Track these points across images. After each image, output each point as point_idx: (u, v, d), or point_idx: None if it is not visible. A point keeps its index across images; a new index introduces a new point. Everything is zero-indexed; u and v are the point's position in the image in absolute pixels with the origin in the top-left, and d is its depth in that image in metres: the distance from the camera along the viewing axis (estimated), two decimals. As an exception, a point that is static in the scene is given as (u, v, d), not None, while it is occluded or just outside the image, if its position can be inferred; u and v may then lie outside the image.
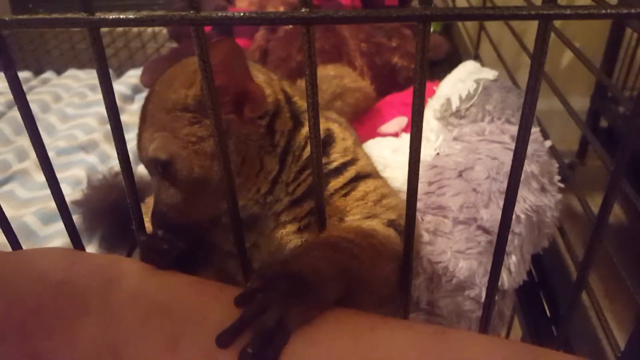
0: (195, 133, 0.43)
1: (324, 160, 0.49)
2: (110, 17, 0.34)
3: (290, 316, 0.32)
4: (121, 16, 0.34)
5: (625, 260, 0.67)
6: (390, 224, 0.48)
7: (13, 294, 0.37)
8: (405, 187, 0.71)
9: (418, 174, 0.38)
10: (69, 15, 0.34)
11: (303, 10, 0.31)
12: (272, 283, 0.35)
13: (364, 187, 0.49)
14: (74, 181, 1.00)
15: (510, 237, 0.62)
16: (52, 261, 0.41)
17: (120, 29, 1.69)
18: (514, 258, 0.62)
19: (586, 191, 0.76)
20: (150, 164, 0.46)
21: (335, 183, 0.49)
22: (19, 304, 0.36)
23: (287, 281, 0.35)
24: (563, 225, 0.80)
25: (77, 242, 0.45)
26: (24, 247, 0.47)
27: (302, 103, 0.49)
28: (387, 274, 0.42)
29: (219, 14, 0.33)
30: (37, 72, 1.47)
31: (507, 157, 0.68)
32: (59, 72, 1.47)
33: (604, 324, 0.59)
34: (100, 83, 0.37)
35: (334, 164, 0.50)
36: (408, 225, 0.39)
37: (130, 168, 0.41)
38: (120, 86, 1.33)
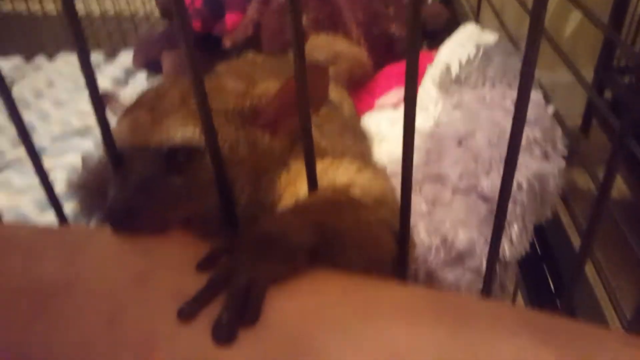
0: (237, 135, 0.45)
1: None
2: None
3: (259, 273, 0.30)
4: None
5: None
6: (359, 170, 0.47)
7: None
8: (403, 159, 0.69)
9: (413, 143, 0.35)
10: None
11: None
12: (236, 243, 0.33)
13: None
14: (70, 167, 0.99)
15: (511, 205, 0.60)
16: (33, 225, 0.42)
17: (112, 12, 1.67)
18: (515, 227, 0.60)
19: (590, 165, 0.73)
20: (167, 149, 0.43)
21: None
22: None
23: (251, 239, 0.33)
24: (567, 197, 0.77)
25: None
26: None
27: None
28: (372, 224, 0.40)
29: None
30: (28, 57, 1.45)
31: (509, 123, 0.65)
32: (51, 56, 1.45)
33: (610, 294, 0.56)
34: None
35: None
36: (405, 196, 0.37)
37: (113, 142, 0.39)
38: (113, 68, 1.31)
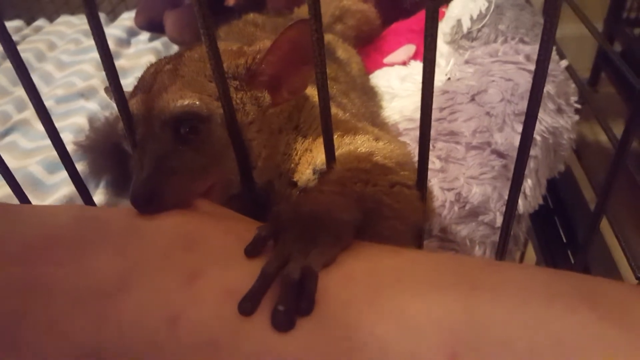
0: (240, 98, 0.44)
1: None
2: None
3: (311, 260, 0.30)
4: None
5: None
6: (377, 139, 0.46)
7: (26, 224, 0.36)
8: (415, 115, 0.68)
9: (432, 100, 0.35)
10: None
11: None
12: (284, 228, 0.32)
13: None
14: (75, 129, 0.98)
15: (525, 160, 0.60)
16: (69, 206, 0.40)
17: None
18: (529, 182, 0.60)
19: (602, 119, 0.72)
20: (171, 122, 0.42)
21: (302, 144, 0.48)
22: (31, 232, 0.35)
23: (297, 221, 0.33)
24: (578, 149, 0.77)
25: (82, 190, 0.43)
26: (30, 197, 0.46)
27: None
28: (403, 185, 0.40)
29: None
30: (29, 20, 1.42)
31: (522, 78, 0.65)
32: (51, 19, 1.42)
33: (625, 247, 0.57)
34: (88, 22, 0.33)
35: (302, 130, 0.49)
36: (422, 152, 0.37)
37: (129, 110, 0.39)
38: (115, 30, 1.28)
